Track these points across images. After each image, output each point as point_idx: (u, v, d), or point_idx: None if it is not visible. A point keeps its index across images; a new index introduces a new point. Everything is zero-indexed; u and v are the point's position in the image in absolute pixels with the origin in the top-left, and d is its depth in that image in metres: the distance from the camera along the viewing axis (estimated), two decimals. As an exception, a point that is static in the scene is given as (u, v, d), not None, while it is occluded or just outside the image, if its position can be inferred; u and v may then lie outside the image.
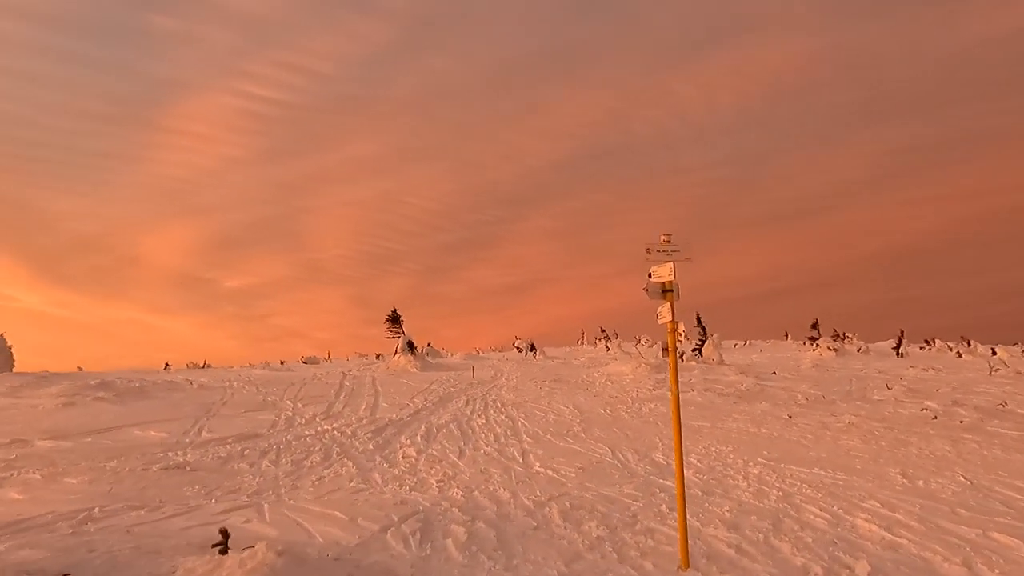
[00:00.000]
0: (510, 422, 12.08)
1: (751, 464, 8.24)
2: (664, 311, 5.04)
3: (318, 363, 59.30)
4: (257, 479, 7.48)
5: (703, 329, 33.20)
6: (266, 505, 6.12)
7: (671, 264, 5.02)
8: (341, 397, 15.69)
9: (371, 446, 9.73)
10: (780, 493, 6.78)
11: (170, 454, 8.85)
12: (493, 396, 16.48)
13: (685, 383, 17.86)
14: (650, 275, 5.10)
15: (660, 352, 6.11)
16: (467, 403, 14.88)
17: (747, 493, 6.83)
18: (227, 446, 9.52)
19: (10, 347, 24.79)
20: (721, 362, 27.24)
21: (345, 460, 8.58)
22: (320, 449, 9.32)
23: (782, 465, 8.13)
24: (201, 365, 53.43)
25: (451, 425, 11.70)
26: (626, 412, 13.28)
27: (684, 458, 8.87)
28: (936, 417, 11.38)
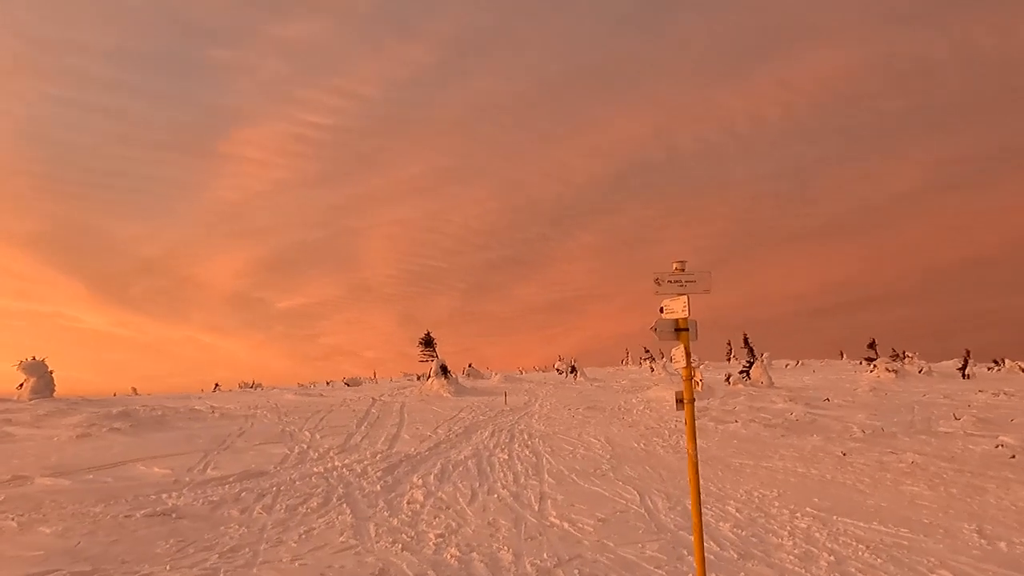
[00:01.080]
0: (534, 458, 11.21)
1: (798, 515, 7.19)
2: (678, 355, 4.17)
3: (360, 384, 59.52)
4: (241, 530, 6.81)
5: (750, 350, 31.61)
6: (228, 573, 5.43)
7: (685, 298, 4.17)
8: (363, 427, 15.08)
9: (379, 487, 9.01)
10: (832, 557, 5.75)
11: (163, 496, 8.30)
12: (522, 426, 15.63)
13: (729, 412, 16.67)
14: (662, 310, 4.26)
15: (675, 404, 5.38)
16: (492, 434, 14.07)
17: (792, 556, 5.82)
18: (227, 486, 8.93)
19: (50, 372, 25.13)
20: (771, 385, 25.75)
21: (344, 506, 7.87)
22: (322, 491, 8.64)
23: (834, 517, 7.06)
24: (251, 385, 54.19)
25: (470, 461, 10.90)
26: (662, 446, 12.25)
27: (723, 506, 7.89)
28: (1015, 456, 10.03)
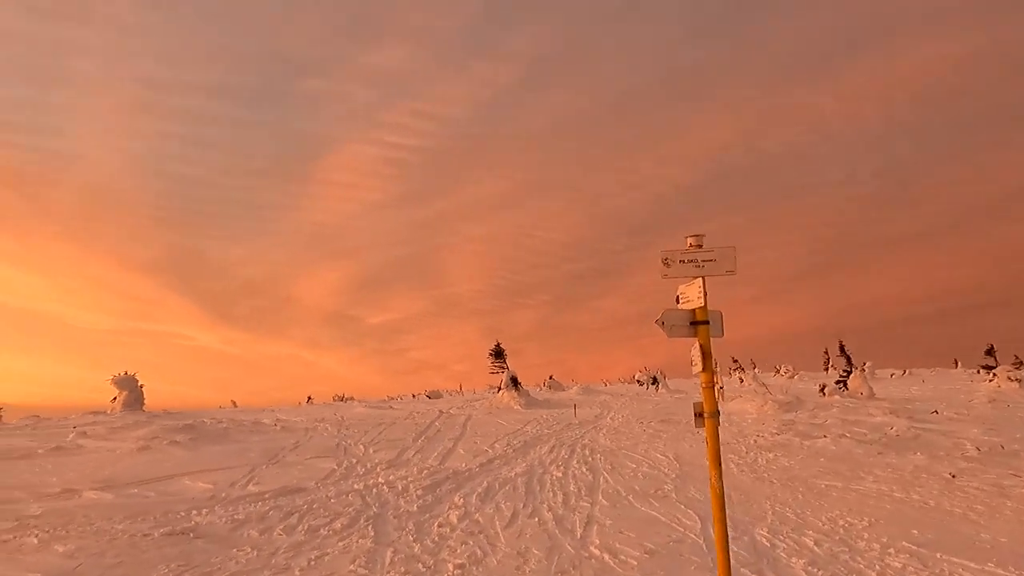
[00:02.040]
0: (590, 476, 10.27)
1: (892, 550, 5.95)
2: (696, 357, 3.27)
3: (440, 396, 60.04)
4: (252, 554, 6.33)
5: (848, 359, 29.06)
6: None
7: (700, 282, 3.27)
8: (419, 441, 14.59)
9: (415, 507, 8.37)
10: (935, 612, 4.56)
11: (192, 513, 8.01)
12: (587, 440, 14.68)
13: (817, 425, 15.04)
14: (678, 299, 3.37)
15: (694, 421, 4.53)
16: (552, 449, 13.21)
17: (882, 608, 4.68)
18: (260, 503, 8.57)
19: (141, 386, 26.36)
20: (871, 396, 23.46)
21: (369, 528, 7.26)
22: (353, 511, 8.09)
23: (938, 555, 5.78)
24: (342, 398, 55.80)
25: (521, 479, 10.10)
26: (736, 464, 11.00)
27: (799, 536, 6.71)
28: None
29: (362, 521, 7.59)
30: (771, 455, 11.66)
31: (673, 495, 8.77)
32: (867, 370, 28.74)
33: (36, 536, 6.90)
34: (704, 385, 3.48)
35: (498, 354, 28.59)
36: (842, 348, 29.75)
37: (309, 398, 58.25)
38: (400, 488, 9.52)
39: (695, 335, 3.45)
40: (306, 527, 7.30)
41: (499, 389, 27.25)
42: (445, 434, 16.02)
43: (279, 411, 27.39)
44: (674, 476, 10.14)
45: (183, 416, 19.73)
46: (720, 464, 3.44)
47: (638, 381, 49.51)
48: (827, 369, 52.08)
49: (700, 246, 3.53)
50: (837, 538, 6.49)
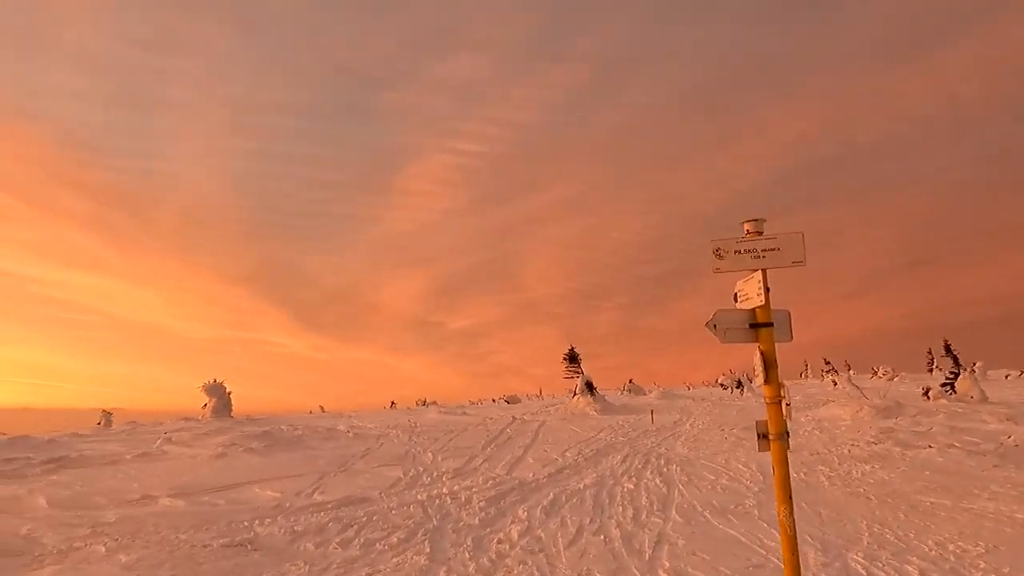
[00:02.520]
0: (664, 489, 9.64)
1: (1019, 587, 5.10)
2: (758, 365, 2.74)
3: (519, 401, 59.96)
4: (304, 569, 6.16)
5: (954, 359, 26.66)
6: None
7: (760, 276, 2.74)
8: (489, 449, 14.30)
9: (476, 520, 8.04)
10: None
11: (256, 523, 7.99)
12: (663, 448, 13.96)
13: (921, 434, 13.69)
14: (736, 297, 2.86)
15: (758, 441, 4.02)
16: (625, 459, 12.59)
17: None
18: (322, 514, 8.47)
19: (228, 393, 27.47)
20: (983, 400, 21.39)
21: (426, 544, 6.97)
22: (413, 524, 7.84)
23: (1079, 594, 4.88)
24: (424, 402, 56.78)
25: (589, 491, 9.60)
26: (827, 476, 10.06)
27: (901, 563, 5.90)
28: None
29: (419, 535, 7.31)
30: (867, 467, 10.62)
31: (755, 512, 8.04)
32: (977, 371, 26.24)
33: (105, 544, 7.02)
34: (768, 400, 2.94)
35: (572, 358, 28.01)
36: (947, 347, 27.32)
37: (392, 403, 59.57)
38: (463, 499, 9.23)
39: (755, 339, 2.91)
40: (362, 541, 7.10)
41: (574, 394, 26.68)
42: (516, 441, 15.67)
43: (356, 417, 27.90)
44: (757, 490, 9.35)
45: (264, 422, 20.33)
46: (791, 498, 2.90)
47: (722, 385, 47.60)
48: (931, 370, 48.27)
49: (760, 233, 3.00)
50: (947, 567, 5.66)
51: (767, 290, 2.93)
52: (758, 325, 2.99)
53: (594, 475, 10.94)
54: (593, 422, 20.69)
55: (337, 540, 7.15)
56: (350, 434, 16.71)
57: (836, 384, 38.46)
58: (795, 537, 2.98)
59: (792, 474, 10.30)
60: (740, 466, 11.34)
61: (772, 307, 3.07)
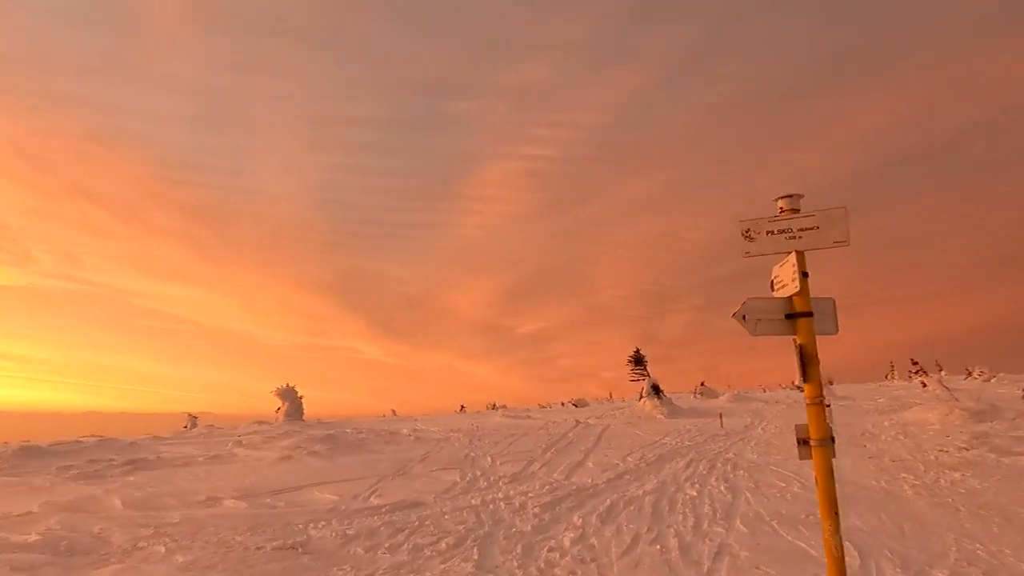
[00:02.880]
0: (729, 496, 9.14)
1: None
2: (798, 363, 2.44)
3: (587, 405, 59.36)
4: (350, 574, 6.11)
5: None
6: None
7: (795, 259, 2.42)
8: (549, 453, 14.05)
9: (529, 527, 7.82)
10: None
11: (310, 526, 8.05)
12: (731, 454, 13.34)
13: (1020, 439, 12.53)
14: (773, 285, 2.54)
15: (798, 448, 3.51)
16: (689, 464, 12.08)
17: None
18: (376, 517, 8.46)
19: (300, 398, 28.30)
20: (1092, 403, 19.49)
21: (475, 550, 6.80)
22: (464, 529, 7.70)
23: None
24: (494, 406, 57.13)
25: (649, 498, 9.21)
26: (911, 485, 9.30)
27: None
28: None
29: (469, 541, 7.15)
30: (957, 475, 9.76)
31: (828, 522, 7.47)
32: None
33: (165, 545, 7.21)
34: (809, 400, 2.60)
35: (638, 361, 27.38)
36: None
37: (462, 407, 60.13)
38: (518, 505, 9.02)
39: (792, 332, 2.58)
40: (411, 546, 7.00)
41: (640, 398, 26.05)
42: (577, 445, 15.35)
43: (421, 420, 28.19)
44: (831, 498, 8.73)
45: (331, 426, 20.77)
46: (837, 514, 2.55)
47: (798, 387, 45.68)
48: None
49: (796, 210, 2.66)
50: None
51: (804, 275, 2.59)
52: (795, 315, 2.65)
53: (656, 481, 10.52)
54: (659, 426, 20.09)
55: (387, 544, 7.09)
56: (412, 438, 16.81)
57: (925, 386, 36.07)
58: (842, 559, 2.64)
59: (871, 482, 9.61)
60: (813, 472, 10.67)
61: (814, 295, 2.73)
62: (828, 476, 2.63)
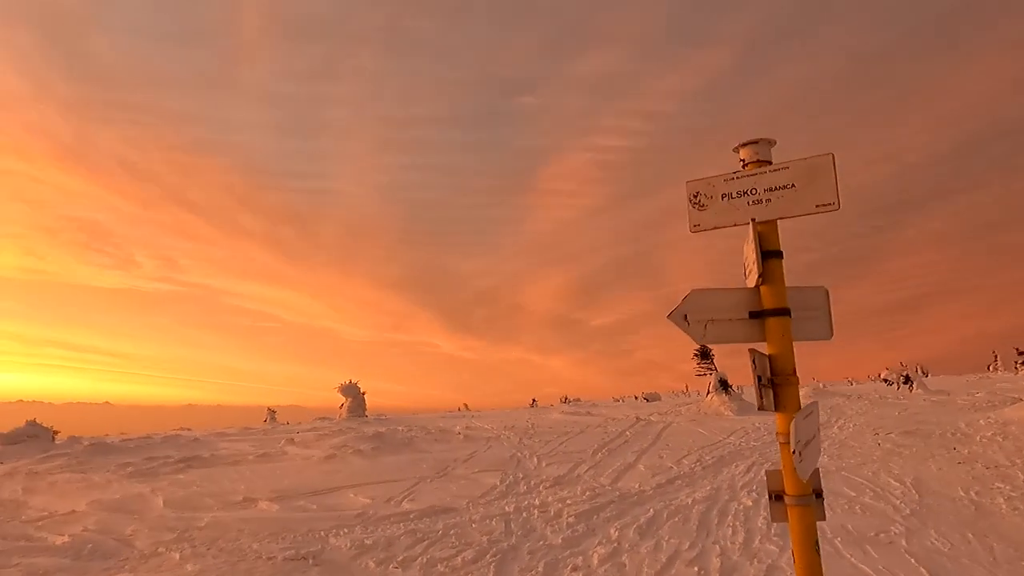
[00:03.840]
0: (789, 507, 8.20)
1: None
2: (758, 382, 1.74)
3: (659, 399, 57.91)
4: (352, 592, 5.69)
5: None
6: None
7: (752, 234, 1.73)
8: (600, 454, 13.34)
9: (559, 539, 7.20)
10: None
11: (331, 533, 7.73)
12: (798, 456, 12.22)
13: None
14: (760, 278, 1.85)
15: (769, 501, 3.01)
16: (750, 468, 11.12)
17: None
18: (401, 525, 8.06)
19: (363, 394, 28.60)
20: None
21: (491, 567, 6.26)
22: (487, 541, 7.17)
23: None
24: (566, 400, 56.61)
25: (698, 507, 8.40)
26: (1007, 498, 8.09)
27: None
28: None
29: (489, 556, 6.61)
30: (1065, 486, 8.45)
31: (902, 541, 6.51)
32: None
33: (181, 552, 7.03)
34: (783, 438, 1.90)
35: (704, 355, 26.11)
36: None
37: (534, 401, 59.80)
38: (552, 513, 8.42)
39: (758, 337, 1.88)
40: (426, 560, 6.53)
41: (708, 393, 24.83)
42: (632, 445, 14.56)
43: (477, 417, 27.92)
44: (908, 512, 7.68)
45: (386, 422, 20.74)
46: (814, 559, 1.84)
47: (885, 380, 42.57)
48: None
49: (765, 162, 1.95)
50: None
51: (774, 255, 1.88)
52: (763, 313, 1.95)
53: (709, 487, 9.67)
54: (725, 423, 18.96)
55: (401, 557, 6.65)
56: (461, 436, 16.46)
57: (1031, 378, 32.84)
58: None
59: (959, 493, 8.46)
60: (891, 480, 9.54)
61: (797, 283, 2.03)
62: (809, 547, 1.94)
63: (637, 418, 20.56)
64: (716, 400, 23.63)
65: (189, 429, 31.29)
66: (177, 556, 6.88)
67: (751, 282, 2.05)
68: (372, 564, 6.48)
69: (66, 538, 7.75)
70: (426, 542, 7.17)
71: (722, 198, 2.16)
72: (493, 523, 7.99)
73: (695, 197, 2.20)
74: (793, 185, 2.05)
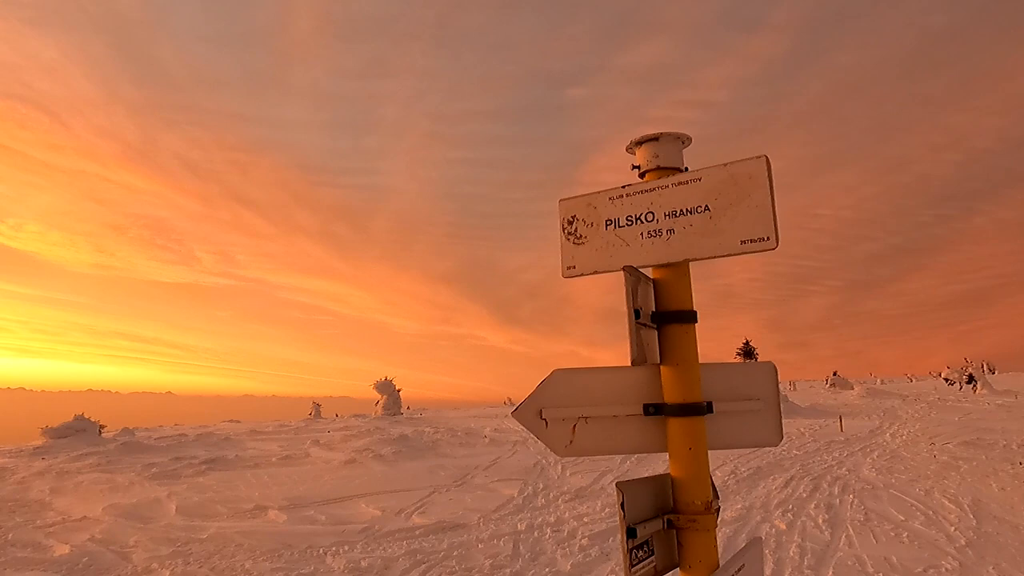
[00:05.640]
0: (827, 532, 7.46)
1: None
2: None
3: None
4: (332, 626, 5.28)
5: None
6: None
7: (629, 288, 1.17)
8: (629, 463, 12.70)
9: (568, 565, 6.66)
10: None
11: (331, 552, 7.36)
12: (843, 469, 11.37)
13: None
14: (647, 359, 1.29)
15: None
16: (789, 482, 10.32)
17: None
18: (406, 542, 7.65)
19: (398, 391, 28.51)
20: None
21: (487, 599, 5.78)
22: (490, 566, 6.67)
23: None
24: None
25: (725, 531, 7.73)
26: (1081, 528, 7.16)
27: None
28: None
29: (487, 585, 6.12)
30: None
31: (954, 580, 5.74)
32: None
33: (172, 570, 6.78)
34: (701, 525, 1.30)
35: (747, 354, 25.01)
36: None
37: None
38: (566, 532, 7.87)
39: (658, 445, 1.31)
40: (420, 588, 6.09)
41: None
42: (664, 455, 13.84)
43: (508, 417, 27.49)
44: (963, 542, 6.86)
45: (415, 423, 20.48)
46: None
47: (946, 379, 40.26)
48: None
49: (676, 170, 1.37)
50: None
51: (685, 317, 1.28)
52: (662, 409, 1.38)
53: (740, 506, 8.96)
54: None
55: (394, 584, 6.22)
56: (487, 439, 16.02)
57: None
58: None
59: (1020, 519, 7.55)
60: (945, 501, 8.65)
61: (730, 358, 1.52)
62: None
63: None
64: (760, 401, 22.54)
65: (238, 421, 31.91)
66: (167, 575, 6.61)
67: (634, 359, 1.46)
68: (362, 591, 6.07)
69: (67, 549, 7.61)
70: (424, 565, 6.73)
71: (606, 226, 1.59)
72: (501, 543, 7.49)
73: (570, 224, 1.63)
74: (707, 208, 1.46)
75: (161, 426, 29.05)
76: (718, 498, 1.97)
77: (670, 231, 1.49)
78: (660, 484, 1.67)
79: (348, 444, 14.88)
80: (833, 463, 11.97)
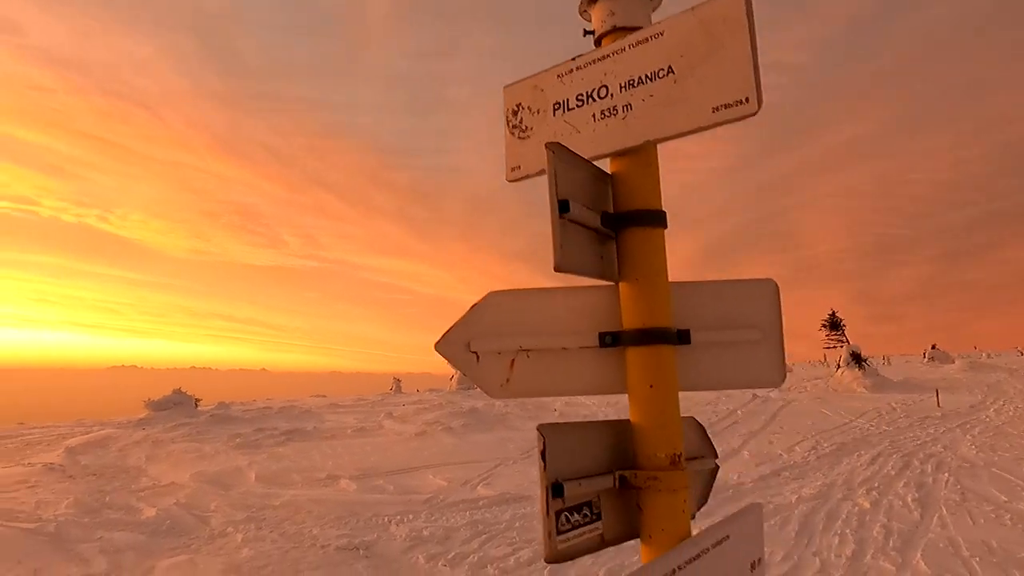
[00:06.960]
0: (917, 513, 6.91)
1: None
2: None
3: (791, 370, 54.52)
4: (389, 593, 5.31)
5: None
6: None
7: (553, 170, 0.92)
8: (701, 436, 12.27)
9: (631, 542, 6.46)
10: None
11: (395, 520, 7.46)
12: (938, 446, 10.55)
13: None
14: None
15: None
16: (875, 459, 9.66)
17: None
18: (469, 513, 7.66)
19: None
20: None
21: (545, 571, 5.67)
22: (550, 538, 6.57)
23: None
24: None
25: (800, 508, 7.30)
26: None
27: None
28: None
29: (542, 560, 6.00)
30: None
31: (1064, 569, 5.16)
32: None
33: (244, 533, 7.04)
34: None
35: (834, 326, 23.66)
36: None
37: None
38: (631, 507, 7.64)
39: (618, 386, 1.05)
40: (478, 558, 6.04)
41: (838, 367, 22.51)
42: (741, 427, 13.31)
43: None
44: (1077, 528, 6.17)
45: (488, 397, 20.59)
46: None
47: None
48: None
49: (626, 29, 1.07)
50: None
51: (652, 217, 1.02)
52: (620, 338, 1.09)
53: (821, 482, 8.45)
54: (855, 403, 16.99)
55: (454, 553, 6.20)
56: (556, 413, 15.92)
57: None
58: None
59: None
60: (1057, 482, 7.85)
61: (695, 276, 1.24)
62: None
63: (754, 394, 18.99)
64: (847, 375, 21.35)
65: (324, 396, 33.33)
66: (239, 538, 6.87)
67: (557, 264, 1.15)
68: (422, 559, 6.09)
69: (154, 512, 8.06)
70: (484, 536, 6.69)
71: (554, 111, 1.29)
72: (563, 516, 7.36)
73: (514, 115, 1.34)
74: (670, 70, 1.15)
75: (254, 400, 30.64)
76: (715, 454, 1.66)
77: (627, 107, 1.19)
78: (614, 431, 1.38)
79: (420, 417, 15.15)
80: (927, 439, 11.12)
